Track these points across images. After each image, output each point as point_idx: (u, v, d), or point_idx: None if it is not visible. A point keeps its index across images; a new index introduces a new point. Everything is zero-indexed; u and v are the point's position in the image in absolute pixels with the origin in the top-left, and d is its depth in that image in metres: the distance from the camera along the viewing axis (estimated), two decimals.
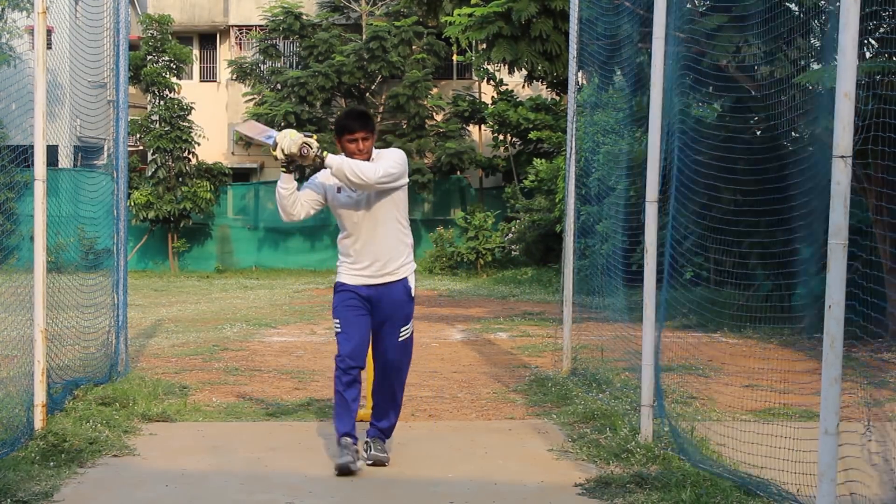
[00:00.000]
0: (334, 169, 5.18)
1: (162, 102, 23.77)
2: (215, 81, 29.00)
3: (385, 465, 5.37)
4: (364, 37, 24.62)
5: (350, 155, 5.29)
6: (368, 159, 5.29)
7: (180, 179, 23.83)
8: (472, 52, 22.52)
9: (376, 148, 5.41)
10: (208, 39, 29.29)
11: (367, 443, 5.47)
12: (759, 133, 6.97)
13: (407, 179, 5.42)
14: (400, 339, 5.41)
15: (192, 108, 24.07)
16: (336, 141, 5.44)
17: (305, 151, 5.17)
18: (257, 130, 5.70)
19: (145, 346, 10.18)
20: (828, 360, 3.70)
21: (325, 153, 5.21)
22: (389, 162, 5.26)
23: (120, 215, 7.90)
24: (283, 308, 14.86)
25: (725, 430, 5.56)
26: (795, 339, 6.25)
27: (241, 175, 27.62)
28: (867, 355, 4.38)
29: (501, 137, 24.02)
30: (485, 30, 16.71)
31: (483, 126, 25.39)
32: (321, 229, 25.21)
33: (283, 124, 23.82)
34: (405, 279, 5.41)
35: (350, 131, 5.31)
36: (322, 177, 5.46)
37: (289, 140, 5.18)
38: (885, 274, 8.45)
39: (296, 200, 5.42)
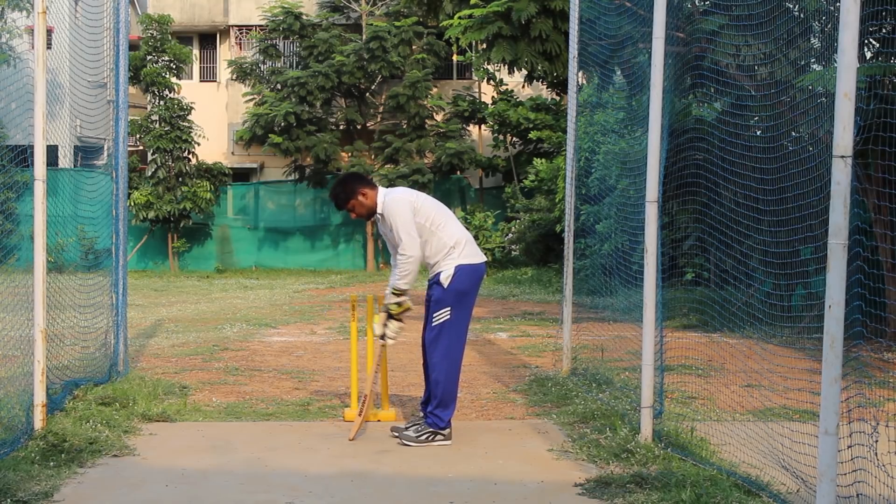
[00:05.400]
0: (405, 293, 6.02)
1: (162, 102, 23.78)
2: (215, 81, 29.01)
3: (404, 445, 5.90)
4: (364, 37, 24.62)
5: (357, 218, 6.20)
6: (372, 214, 6.04)
7: (180, 179, 23.83)
8: (471, 52, 22.52)
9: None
10: (208, 39, 29.29)
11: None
12: (759, 133, 6.96)
13: (412, 212, 5.94)
14: (433, 324, 5.95)
15: (192, 108, 24.08)
16: None
17: (389, 325, 6.09)
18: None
19: (145, 346, 10.18)
20: (828, 360, 3.69)
21: (401, 304, 6.02)
22: (395, 224, 5.92)
23: (120, 215, 7.90)
24: (283, 308, 14.86)
25: (725, 430, 5.57)
26: (795, 338, 6.24)
27: (241, 175, 27.62)
28: (868, 355, 4.37)
29: (501, 137, 24.02)
30: (484, 30, 16.72)
31: (483, 126, 25.38)
32: (321, 229, 25.21)
33: (283, 124, 23.84)
34: (439, 274, 6.00)
35: (339, 209, 6.21)
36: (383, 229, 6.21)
37: (380, 328, 6.11)
38: (886, 273, 8.46)
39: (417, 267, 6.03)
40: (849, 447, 3.87)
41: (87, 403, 6.58)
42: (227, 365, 9.02)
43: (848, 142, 3.66)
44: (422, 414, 6.08)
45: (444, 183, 24.92)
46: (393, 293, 6.00)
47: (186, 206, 23.69)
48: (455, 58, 25.53)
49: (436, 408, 5.93)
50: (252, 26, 27.19)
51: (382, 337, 6.12)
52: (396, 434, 6.04)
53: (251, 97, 25.17)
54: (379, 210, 6.01)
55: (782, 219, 5.35)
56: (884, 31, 8.71)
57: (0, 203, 7.34)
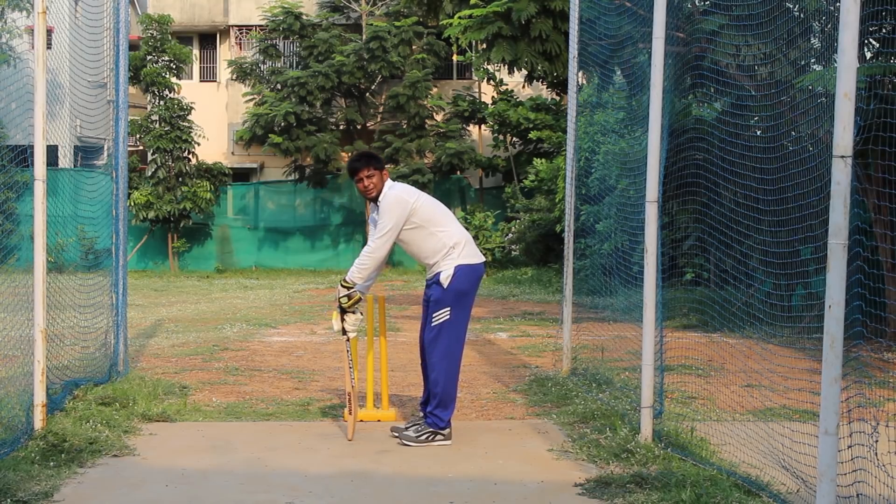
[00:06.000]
0: (354, 285, 6.02)
1: (162, 102, 23.78)
2: (215, 81, 29.00)
3: (404, 445, 5.91)
4: (364, 37, 24.62)
5: (362, 193, 6.08)
6: (378, 196, 6.00)
7: (180, 179, 23.83)
8: (471, 52, 22.51)
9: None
10: (208, 39, 29.28)
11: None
12: (759, 133, 6.96)
13: (404, 218, 5.93)
14: (433, 324, 5.93)
15: (192, 108, 24.08)
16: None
17: (346, 318, 6.08)
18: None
19: (145, 346, 10.18)
20: (828, 360, 3.69)
21: (351, 296, 6.03)
22: (382, 220, 5.96)
23: (120, 215, 7.90)
24: (283, 308, 14.86)
25: (725, 430, 5.56)
26: (795, 338, 6.24)
27: (241, 175, 27.61)
28: (868, 355, 4.37)
29: (501, 137, 24.02)
30: (484, 30, 16.70)
31: (483, 126, 25.38)
32: (321, 229, 25.21)
33: (283, 124, 23.84)
34: (438, 274, 5.98)
35: (353, 173, 6.07)
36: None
37: (337, 324, 6.11)
38: (886, 273, 8.46)
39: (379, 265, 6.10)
40: (849, 447, 3.87)
41: (87, 403, 6.58)
42: (227, 365, 9.02)
43: (848, 142, 3.66)
44: (421, 414, 6.09)
45: (444, 183, 24.92)
46: (342, 286, 6.03)
47: (186, 206, 23.69)
48: (455, 58, 25.53)
49: (435, 408, 5.93)
50: (252, 26, 27.19)
51: (344, 332, 6.13)
52: (396, 434, 6.04)
53: (251, 97, 25.17)
54: (380, 198, 6.03)
55: (782, 219, 5.35)
56: (884, 31, 8.71)
57: (0, 203, 7.34)
